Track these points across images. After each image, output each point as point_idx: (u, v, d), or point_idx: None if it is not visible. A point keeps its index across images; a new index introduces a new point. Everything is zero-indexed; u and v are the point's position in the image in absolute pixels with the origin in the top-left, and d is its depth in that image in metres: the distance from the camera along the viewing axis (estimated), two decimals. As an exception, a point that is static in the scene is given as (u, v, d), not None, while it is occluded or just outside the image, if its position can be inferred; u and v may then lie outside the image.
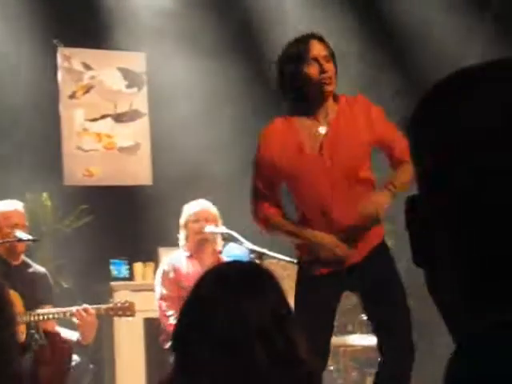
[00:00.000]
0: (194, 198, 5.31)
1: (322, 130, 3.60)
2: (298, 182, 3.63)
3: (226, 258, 5.14)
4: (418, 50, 6.79)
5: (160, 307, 5.06)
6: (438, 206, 0.75)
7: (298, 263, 3.96)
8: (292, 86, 3.60)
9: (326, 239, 3.58)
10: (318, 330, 3.59)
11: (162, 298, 5.07)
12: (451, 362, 0.72)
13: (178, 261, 5.17)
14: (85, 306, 4.69)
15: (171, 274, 5.10)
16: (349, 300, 6.46)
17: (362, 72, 6.91)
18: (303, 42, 3.59)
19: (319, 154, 3.59)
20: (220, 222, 5.14)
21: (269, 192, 3.70)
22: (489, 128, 0.72)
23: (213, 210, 5.17)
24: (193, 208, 5.19)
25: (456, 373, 0.71)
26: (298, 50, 3.57)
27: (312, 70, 3.54)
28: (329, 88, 3.56)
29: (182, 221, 5.20)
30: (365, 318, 6.34)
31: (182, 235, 5.22)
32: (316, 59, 3.55)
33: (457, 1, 6.77)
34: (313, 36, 3.61)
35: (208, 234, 5.06)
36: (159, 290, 5.10)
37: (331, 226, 3.58)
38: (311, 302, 3.68)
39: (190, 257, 5.17)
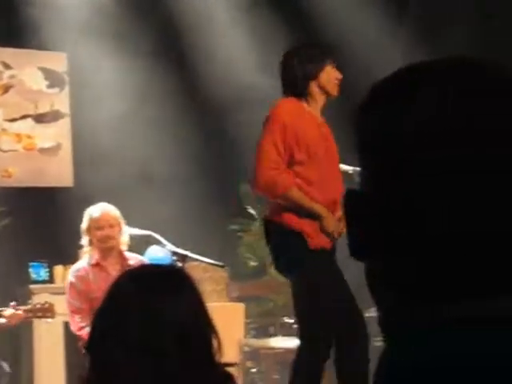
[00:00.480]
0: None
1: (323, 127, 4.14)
2: (314, 159, 3.97)
3: (147, 260, 5.08)
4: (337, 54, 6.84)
5: (73, 321, 4.90)
6: (376, 202, 0.77)
7: (223, 266, 4.00)
8: (306, 83, 4.03)
9: (331, 217, 3.95)
10: (349, 292, 3.96)
11: (74, 311, 4.90)
12: (385, 354, 0.74)
13: (83, 271, 4.99)
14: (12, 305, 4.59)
15: (79, 286, 4.94)
16: (269, 303, 6.49)
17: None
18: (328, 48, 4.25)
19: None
20: (123, 222, 5.04)
21: (287, 160, 3.95)
22: (422, 131, 0.74)
23: (114, 213, 4.99)
24: (94, 213, 4.99)
25: (391, 366, 0.73)
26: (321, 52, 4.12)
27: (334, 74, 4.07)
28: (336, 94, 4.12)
29: (83, 226, 4.99)
30: (287, 320, 6.38)
31: (85, 241, 5.02)
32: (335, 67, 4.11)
33: (375, 5, 6.86)
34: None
35: (113, 241, 4.96)
36: (70, 302, 4.94)
37: (333, 205, 3.98)
38: (332, 268, 3.99)
39: (96, 265, 5.00)
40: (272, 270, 6.68)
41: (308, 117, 4.04)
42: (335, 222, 3.97)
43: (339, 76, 4.08)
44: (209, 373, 1.83)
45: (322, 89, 4.06)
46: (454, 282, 0.73)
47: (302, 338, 3.98)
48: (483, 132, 0.72)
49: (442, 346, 0.71)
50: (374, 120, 0.77)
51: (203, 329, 1.87)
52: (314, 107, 4.09)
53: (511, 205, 0.72)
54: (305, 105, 4.06)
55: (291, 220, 3.96)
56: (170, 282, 1.92)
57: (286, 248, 3.97)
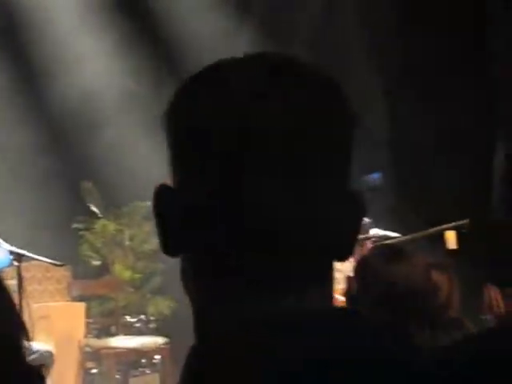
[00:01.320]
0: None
1: None
2: None
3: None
4: (181, 53, 6.83)
5: None
6: (180, 198, 0.77)
7: (62, 265, 3.91)
8: None
9: None
10: None
11: None
12: (189, 355, 0.74)
13: None
14: None
15: None
16: (111, 302, 6.39)
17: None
18: None
19: None
20: None
21: None
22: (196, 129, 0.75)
23: None
24: None
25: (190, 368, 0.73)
26: None
27: None
28: None
29: None
30: (128, 319, 6.32)
31: None
32: None
33: (217, 3, 6.90)
34: None
35: None
36: None
37: None
38: None
39: None
40: (115, 269, 6.61)
41: None
42: None
43: None
44: (14, 372, 1.76)
45: None
46: (255, 280, 0.74)
47: None
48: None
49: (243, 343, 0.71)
50: (179, 117, 0.78)
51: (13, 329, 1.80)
52: None
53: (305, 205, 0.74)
54: None
55: None
56: None
57: None
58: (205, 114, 0.75)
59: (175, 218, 0.76)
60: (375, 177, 7.55)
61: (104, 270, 6.71)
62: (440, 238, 5.52)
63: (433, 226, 5.57)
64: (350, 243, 0.80)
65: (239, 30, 6.91)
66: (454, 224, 5.42)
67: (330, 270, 0.78)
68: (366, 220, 4.87)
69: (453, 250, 5.51)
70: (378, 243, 5.00)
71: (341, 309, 0.77)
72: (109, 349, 5.70)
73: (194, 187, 0.75)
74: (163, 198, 0.77)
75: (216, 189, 0.74)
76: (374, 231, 5.02)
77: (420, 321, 2.33)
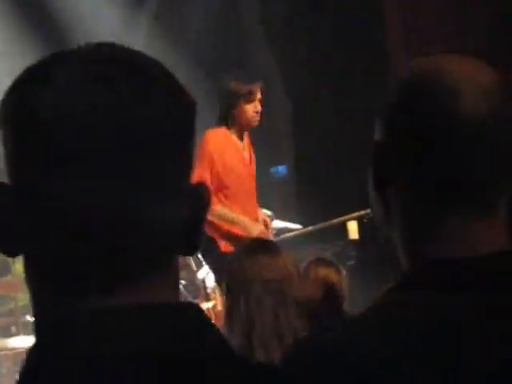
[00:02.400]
0: None
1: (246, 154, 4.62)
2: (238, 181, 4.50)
3: None
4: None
5: None
6: (14, 192, 0.76)
7: None
8: (232, 115, 4.48)
9: (257, 225, 4.44)
10: None
11: None
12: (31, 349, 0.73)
13: None
14: None
15: None
16: (11, 302, 6.27)
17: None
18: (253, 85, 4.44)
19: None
20: None
21: (214, 184, 4.36)
22: (58, 116, 0.73)
23: None
24: None
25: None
26: (248, 90, 4.42)
27: (253, 108, 4.45)
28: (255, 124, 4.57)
29: None
30: (29, 318, 6.19)
31: None
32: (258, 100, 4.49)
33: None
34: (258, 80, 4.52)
35: None
36: None
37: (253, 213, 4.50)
38: None
39: None
40: (15, 268, 6.47)
41: (232, 143, 4.50)
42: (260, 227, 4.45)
43: (255, 110, 4.44)
44: None
45: (239, 123, 4.47)
46: (80, 276, 0.73)
47: None
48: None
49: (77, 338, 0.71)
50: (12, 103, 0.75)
51: None
52: (237, 134, 4.53)
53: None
54: (228, 132, 4.49)
55: None
56: None
57: None
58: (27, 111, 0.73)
59: (7, 217, 0.75)
60: (281, 169, 7.60)
61: (3, 269, 6.58)
62: (342, 228, 5.58)
63: (336, 216, 5.64)
64: (194, 238, 0.79)
65: (136, 24, 6.86)
66: (356, 214, 5.49)
67: (170, 266, 0.77)
68: (268, 212, 4.89)
69: (354, 240, 5.58)
70: (278, 235, 5.01)
71: (175, 304, 0.76)
72: (8, 350, 5.58)
73: (22, 186, 0.74)
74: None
75: (31, 189, 0.73)
76: (275, 223, 5.03)
77: (301, 312, 2.34)
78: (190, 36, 6.63)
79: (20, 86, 0.76)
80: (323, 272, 3.11)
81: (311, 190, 6.86)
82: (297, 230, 5.41)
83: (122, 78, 0.73)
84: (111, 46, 0.78)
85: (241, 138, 4.55)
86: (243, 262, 2.37)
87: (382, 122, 1.02)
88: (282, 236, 5.27)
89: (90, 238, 0.72)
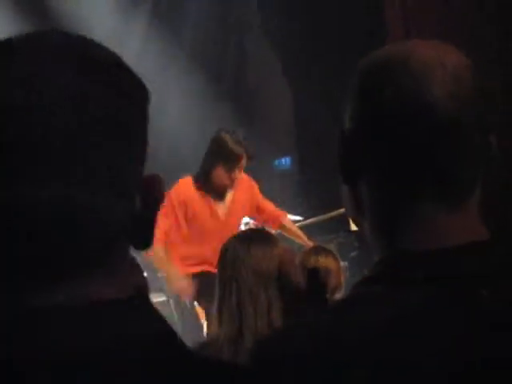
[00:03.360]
0: None
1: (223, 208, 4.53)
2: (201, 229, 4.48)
3: None
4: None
5: None
6: None
7: None
8: (208, 176, 4.38)
9: (181, 281, 4.40)
10: None
11: None
12: None
13: None
14: None
15: None
16: None
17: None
18: (238, 152, 4.29)
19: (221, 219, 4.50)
20: None
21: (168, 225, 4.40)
22: None
23: None
24: None
25: None
26: (233, 155, 4.28)
27: (234, 175, 4.34)
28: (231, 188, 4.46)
29: None
30: None
31: None
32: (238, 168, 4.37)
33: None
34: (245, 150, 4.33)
35: None
36: None
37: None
38: None
39: None
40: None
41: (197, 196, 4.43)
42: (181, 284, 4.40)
43: (226, 181, 4.34)
44: None
45: (213, 184, 4.38)
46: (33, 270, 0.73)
47: None
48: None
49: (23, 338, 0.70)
50: None
51: None
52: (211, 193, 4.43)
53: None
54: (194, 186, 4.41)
55: None
56: None
57: None
58: None
59: None
60: (285, 161, 7.59)
61: None
62: (345, 219, 5.57)
63: (339, 208, 5.62)
64: (143, 232, 0.79)
65: (135, 14, 6.84)
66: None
67: (114, 262, 0.76)
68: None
69: (357, 232, 5.56)
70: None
71: (121, 300, 0.75)
72: None
73: None
74: None
75: None
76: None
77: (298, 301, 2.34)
78: (187, 35, 6.62)
79: None
80: (321, 260, 3.10)
81: (314, 181, 6.86)
82: (298, 221, 5.40)
83: (68, 73, 0.73)
84: (63, 34, 0.77)
85: (219, 195, 4.48)
86: (237, 252, 2.35)
87: (348, 110, 0.98)
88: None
89: (30, 237, 0.71)
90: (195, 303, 4.44)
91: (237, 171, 4.32)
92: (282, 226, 4.69)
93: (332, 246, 5.73)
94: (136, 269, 0.79)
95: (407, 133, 0.91)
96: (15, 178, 0.70)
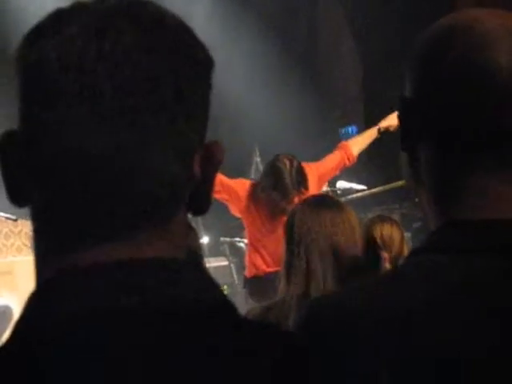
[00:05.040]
0: None
1: None
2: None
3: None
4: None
5: None
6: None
7: (15, 219, 3.98)
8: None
9: None
10: None
11: None
12: (28, 300, 0.73)
13: None
14: None
15: None
16: None
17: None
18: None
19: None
20: None
21: None
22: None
23: None
24: None
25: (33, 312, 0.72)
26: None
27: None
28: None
29: None
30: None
31: None
32: None
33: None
34: None
35: None
36: None
37: None
38: None
39: None
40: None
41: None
42: None
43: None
44: None
45: None
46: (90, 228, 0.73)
47: None
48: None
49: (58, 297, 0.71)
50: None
51: None
52: None
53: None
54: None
55: None
56: None
57: None
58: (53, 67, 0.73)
59: (16, 169, 0.75)
60: (351, 130, 7.55)
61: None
62: (408, 190, 5.52)
63: (402, 179, 5.57)
64: (200, 199, 0.79)
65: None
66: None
67: (171, 221, 0.76)
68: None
69: (419, 202, 5.52)
70: (343, 195, 5.00)
71: (174, 260, 0.75)
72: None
73: (28, 135, 0.74)
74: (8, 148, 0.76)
75: (36, 137, 0.73)
76: (340, 184, 5.02)
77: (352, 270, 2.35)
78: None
79: (30, 37, 0.76)
80: (386, 229, 3.10)
81: (380, 151, 6.81)
82: (362, 190, 5.37)
83: (127, 31, 0.73)
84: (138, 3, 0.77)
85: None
86: (307, 216, 2.38)
87: (408, 76, 0.98)
88: (349, 197, 5.25)
89: (90, 189, 0.72)
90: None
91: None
92: (353, 149, 4.56)
93: (395, 216, 5.71)
94: (192, 233, 0.80)
95: (469, 100, 0.91)
96: (82, 125, 0.72)
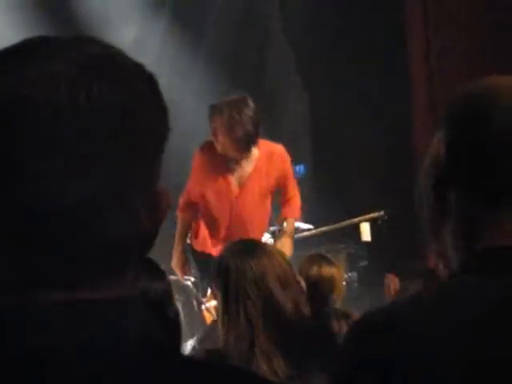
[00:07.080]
0: None
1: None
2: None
3: None
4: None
5: None
6: None
7: None
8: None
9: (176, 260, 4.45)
10: None
11: None
12: None
13: None
14: None
15: None
16: None
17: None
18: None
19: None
20: None
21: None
22: None
23: None
24: None
25: None
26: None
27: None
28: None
29: None
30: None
31: None
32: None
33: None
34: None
35: None
36: None
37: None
38: None
39: None
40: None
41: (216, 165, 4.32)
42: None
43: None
44: None
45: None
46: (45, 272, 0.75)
47: None
48: None
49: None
50: None
51: None
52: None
53: None
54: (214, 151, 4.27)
55: None
56: None
57: None
58: None
59: None
60: (299, 169, 7.59)
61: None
62: (355, 230, 5.56)
63: (352, 218, 5.62)
64: (146, 248, 0.80)
65: (155, 19, 6.87)
66: (369, 216, 5.48)
67: (126, 267, 0.77)
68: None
69: (367, 242, 5.56)
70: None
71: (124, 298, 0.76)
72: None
73: None
74: None
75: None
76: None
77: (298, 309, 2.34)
78: (207, 37, 6.63)
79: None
80: (325, 269, 3.11)
81: (328, 190, 6.86)
82: (310, 229, 5.39)
83: (98, 86, 0.75)
84: (96, 45, 0.79)
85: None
86: (237, 264, 2.37)
87: (444, 134, 1.11)
88: (296, 236, 5.24)
89: (47, 242, 0.74)
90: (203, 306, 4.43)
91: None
92: (281, 223, 4.54)
93: (342, 256, 5.75)
94: (158, 274, 0.81)
95: (499, 158, 1.06)
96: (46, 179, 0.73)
